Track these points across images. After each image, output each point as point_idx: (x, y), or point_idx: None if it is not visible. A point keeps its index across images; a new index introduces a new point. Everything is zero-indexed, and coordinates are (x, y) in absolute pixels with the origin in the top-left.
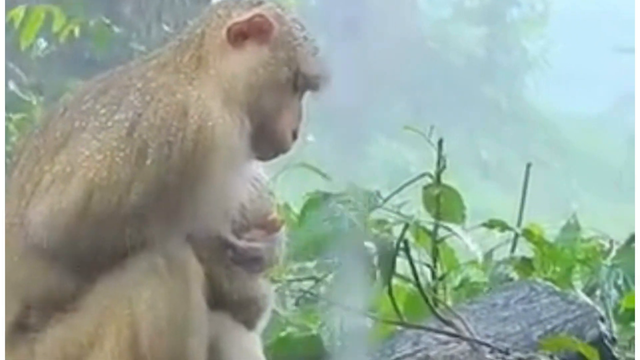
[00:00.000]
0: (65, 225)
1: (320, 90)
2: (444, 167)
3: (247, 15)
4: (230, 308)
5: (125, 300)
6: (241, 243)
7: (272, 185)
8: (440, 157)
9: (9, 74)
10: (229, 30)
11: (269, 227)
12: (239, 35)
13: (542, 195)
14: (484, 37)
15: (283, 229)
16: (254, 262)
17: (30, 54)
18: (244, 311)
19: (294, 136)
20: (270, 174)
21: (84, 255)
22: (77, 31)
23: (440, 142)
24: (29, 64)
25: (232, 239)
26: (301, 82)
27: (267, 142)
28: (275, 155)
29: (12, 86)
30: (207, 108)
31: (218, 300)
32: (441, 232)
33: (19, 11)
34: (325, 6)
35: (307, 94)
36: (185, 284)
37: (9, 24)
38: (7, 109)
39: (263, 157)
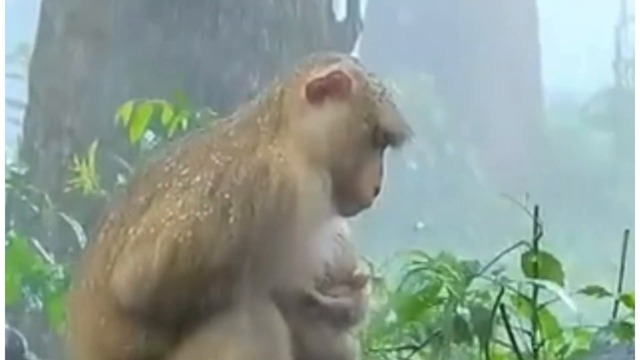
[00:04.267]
0: (150, 286)
1: (400, 146)
2: (541, 234)
3: (325, 72)
4: None
5: None
6: (326, 299)
7: (384, 270)
8: (536, 225)
9: (118, 169)
10: (307, 87)
11: (355, 283)
12: (318, 93)
13: None
14: (609, 142)
15: (368, 284)
16: (340, 319)
17: (138, 147)
18: None
19: (376, 192)
20: (380, 259)
21: (170, 315)
22: (184, 123)
23: (536, 209)
24: (137, 157)
25: (317, 295)
26: (381, 138)
27: (349, 198)
28: (358, 211)
29: (121, 179)
30: (288, 166)
31: (304, 358)
32: (541, 300)
33: (128, 107)
34: (451, 116)
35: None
36: (271, 343)
37: (118, 121)
38: None
39: (345, 213)
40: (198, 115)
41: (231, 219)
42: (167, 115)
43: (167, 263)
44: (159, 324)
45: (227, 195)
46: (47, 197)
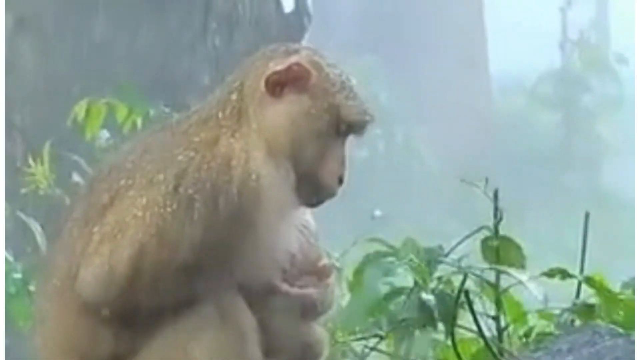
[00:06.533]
0: (116, 284)
1: (363, 134)
2: (501, 218)
3: (283, 64)
4: (285, 356)
5: (182, 355)
6: (293, 290)
7: (342, 260)
8: (496, 209)
9: (72, 167)
10: (267, 80)
11: (320, 274)
12: (277, 85)
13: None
14: (558, 124)
15: (334, 275)
16: (307, 309)
17: (92, 145)
18: (299, 358)
19: (340, 181)
20: (339, 248)
21: (137, 313)
22: (139, 122)
23: (496, 194)
24: (92, 155)
25: (284, 286)
26: (343, 128)
27: (313, 189)
28: (322, 201)
29: (76, 177)
30: (250, 160)
31: (273, 349)
32: (505, 283)
33: (82, 106)
34: (399, 100)
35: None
36: (240, 337)
37: (72, 120)
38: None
39: (310, 203)
40: (152, 112)
41: (195, 215)
42: (121, 114)
43: (133, 261)
44: (126, 321)
45: (190, 191)
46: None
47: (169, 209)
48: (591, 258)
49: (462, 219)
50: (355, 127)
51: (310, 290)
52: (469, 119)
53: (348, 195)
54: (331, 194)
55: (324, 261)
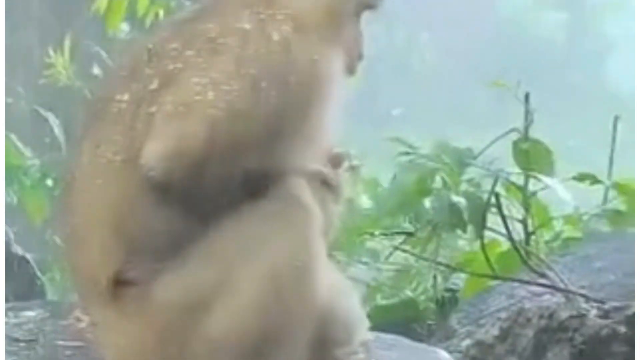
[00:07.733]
0: (190, 160)
1: (379, 6)
2: (532, 121)
3: None
4: None
5: (259, 245)
6: (312, 167)
7: (363, 158)
8: (527, 112)
9: (94, 59)
10: None
11: (333, 162)
12: None
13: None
14: (564, 22)
15: (345, 164)
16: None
17: (111, 36)
18: None
19: (360, 57)
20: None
21: (207, 193)
22: (161, 13)
23: (527, 96)
24: (113, 47)
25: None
26: (360, 7)
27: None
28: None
29: (96, 70)
30: (306, 42)
31: None
32: (533, 188)
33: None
34: (400, 3)
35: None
36: (309, 227)
37: (94, 12)
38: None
39: None
40: (173, 4)
41: (263, 93)
42: (142, 5)
43: (207, 136)
44: (194, 202)
45: (253, 72)
46: (20, 89)
47: (235, 87)
48: (589, 157)
49: (471, 121)
50: (372, 4)
51: (322, 168)
52: (473, 23)
53: (360, 94)
54: (354, 72)
55: (337, 150)
